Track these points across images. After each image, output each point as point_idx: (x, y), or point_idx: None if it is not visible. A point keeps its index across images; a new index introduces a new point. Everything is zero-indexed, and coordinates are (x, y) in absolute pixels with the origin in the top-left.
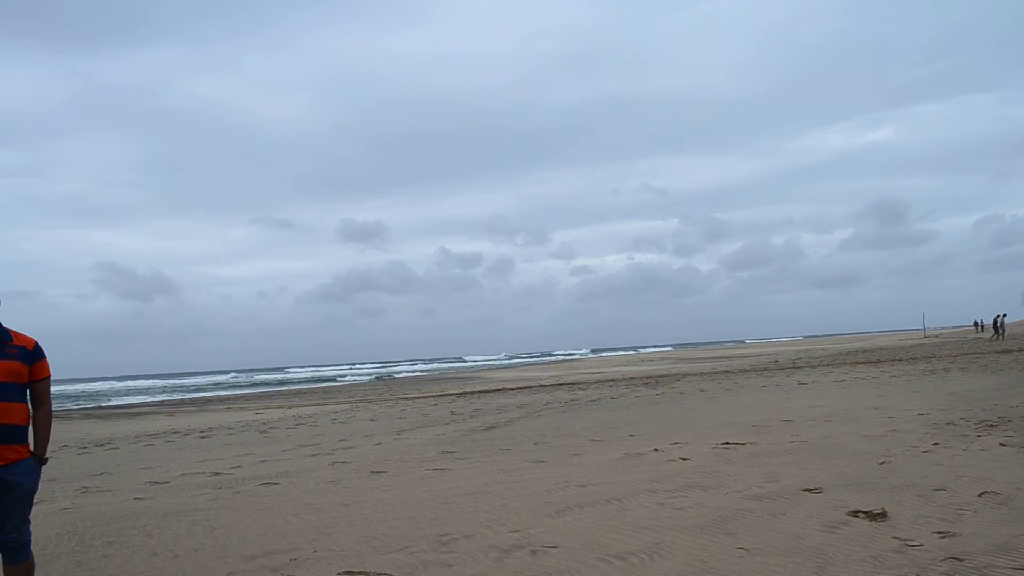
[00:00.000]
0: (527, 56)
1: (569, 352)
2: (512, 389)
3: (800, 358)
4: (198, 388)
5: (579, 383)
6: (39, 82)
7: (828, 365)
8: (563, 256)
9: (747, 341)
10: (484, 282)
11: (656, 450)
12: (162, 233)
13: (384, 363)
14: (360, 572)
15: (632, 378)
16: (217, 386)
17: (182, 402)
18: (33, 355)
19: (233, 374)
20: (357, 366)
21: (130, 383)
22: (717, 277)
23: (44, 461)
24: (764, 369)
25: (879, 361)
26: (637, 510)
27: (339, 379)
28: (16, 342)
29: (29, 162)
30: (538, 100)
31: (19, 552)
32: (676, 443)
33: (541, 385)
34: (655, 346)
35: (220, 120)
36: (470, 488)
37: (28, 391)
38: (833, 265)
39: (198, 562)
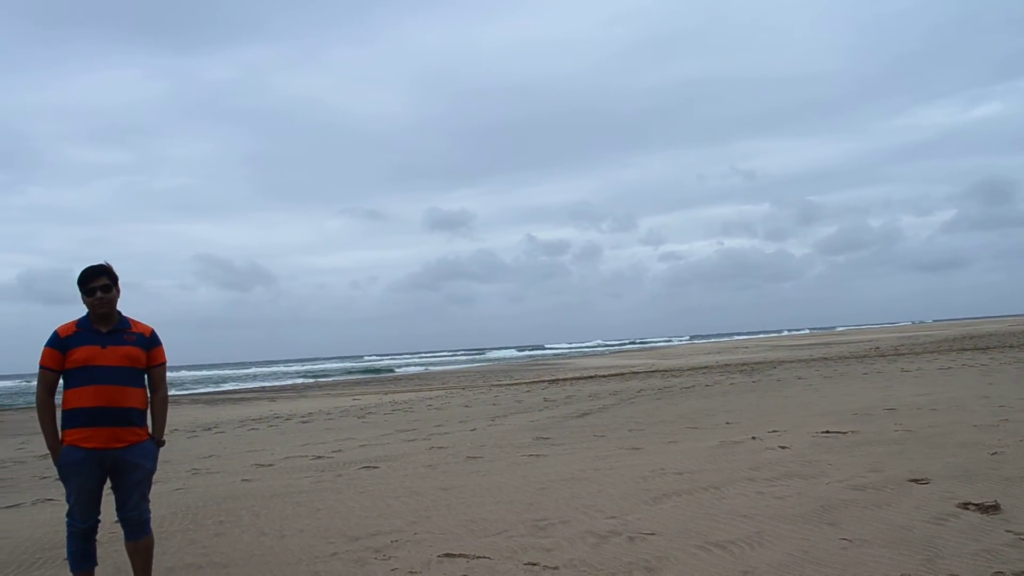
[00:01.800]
0: (609, 40)
1: (662, 339)
2: (604, 376)
3: (902, 344)
4: (297, 374)
5: (672, 370)
6: (143, 83)
7: (932, 352)
8: (651, 242)
9: (844, 327)
10: (572, 269)
11: (754, 438)
12: (258, 225)
13: (475, 350)
14: (460, 555)
15: (726, 365)
16: (313, 373)
17: (282, 388)
18: (150, 342)
19: (328, 362)
20: (441, 354)
21: (231, 371)
22: (811, 262)
23: (162, 443)
24: (864, 356)
25: (988, 348)
26: (735, 498)
27: (395, 369)
28: (134, 329)
29: (136, 160)
30: (622, 85)
31: (140, 529)
32: (774, 431)
33: (633, 372)
34: (749, 333)
35: (310, 115)
36: (566, 474)
37: (146, 376)
38: (935, 248)
39: (304, 542)
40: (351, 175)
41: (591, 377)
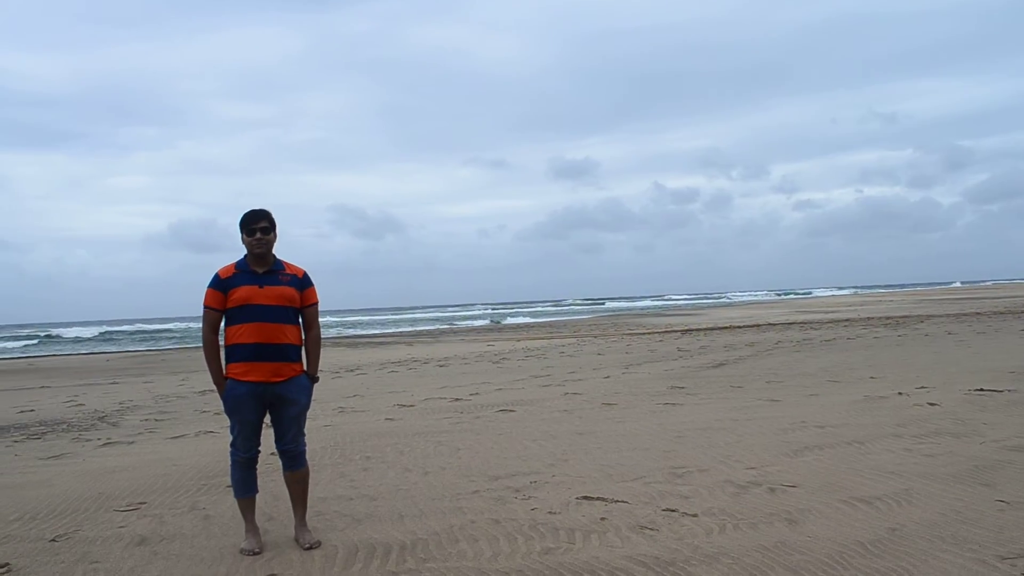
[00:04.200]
0: None
1: (801, 290)
2: (739, 327)
3: None
4: (430, 320)
5: (810, 322)
6: (281, 39)
7: None
8: (784, 190)
9: (998, 281)
10: (701, 218)
11: (900, 394)
12: (389, 175)
13: (602, 299)
14: (598, 498)
15: (869, 318)
16: (446, 319)
17: (418, 333)
18: (303, 282)
19: (460, 308)
20: (570, 302)
21: (366, 316)
22: (961, 211)
23: (315, 379)
24: (1022, 311)
25: None
26: (881, 454)
27: (525, 316)
28: (288, 271)
29: (276, 113)
30: (757, 23)
31: (296, 460)
32: (922, 387)
33: (770, 324)
34: (893, 285)
35: (442, 65)
36: (702, 423)
37: (300, 316)
38: None
39: (447, 479)
40: (479, 125)
41: (725, 328)
